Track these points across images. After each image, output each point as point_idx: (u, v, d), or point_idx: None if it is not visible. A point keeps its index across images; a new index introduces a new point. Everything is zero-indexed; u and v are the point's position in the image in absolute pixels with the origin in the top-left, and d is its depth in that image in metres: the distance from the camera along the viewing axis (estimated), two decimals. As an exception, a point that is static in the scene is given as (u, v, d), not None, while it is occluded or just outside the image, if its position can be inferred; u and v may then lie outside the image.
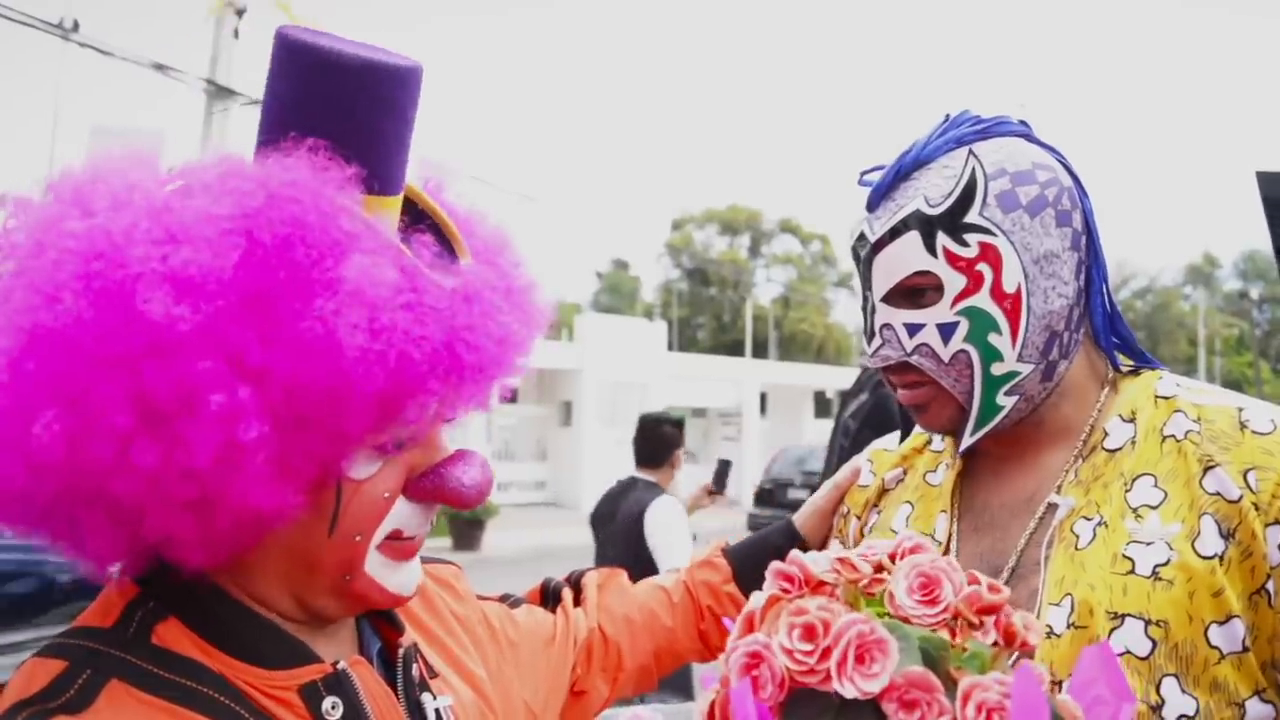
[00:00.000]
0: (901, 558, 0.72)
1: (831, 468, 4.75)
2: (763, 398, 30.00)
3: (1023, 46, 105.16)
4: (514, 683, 1.03)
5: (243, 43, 10.84)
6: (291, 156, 0.74)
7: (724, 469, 4.67)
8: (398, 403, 0.74)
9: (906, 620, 0.67)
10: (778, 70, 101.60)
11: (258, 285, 0.69)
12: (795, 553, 0.68)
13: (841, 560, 0.66)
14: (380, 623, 0.92)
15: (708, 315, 54.76)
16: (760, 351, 43.10)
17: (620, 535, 4.03)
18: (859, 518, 1.30)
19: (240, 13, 10.77)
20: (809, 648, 0.61)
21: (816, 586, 0.66)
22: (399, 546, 0.82)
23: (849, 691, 0.59)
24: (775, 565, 0.68)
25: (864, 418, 4.51)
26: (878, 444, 1.38)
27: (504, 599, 1.15)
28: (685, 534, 4.00)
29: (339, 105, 0.77)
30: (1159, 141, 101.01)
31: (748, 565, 1.32)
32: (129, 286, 0.67)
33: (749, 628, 0.65)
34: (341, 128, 0.77)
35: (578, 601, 1.22)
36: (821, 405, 32.92)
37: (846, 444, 4.66)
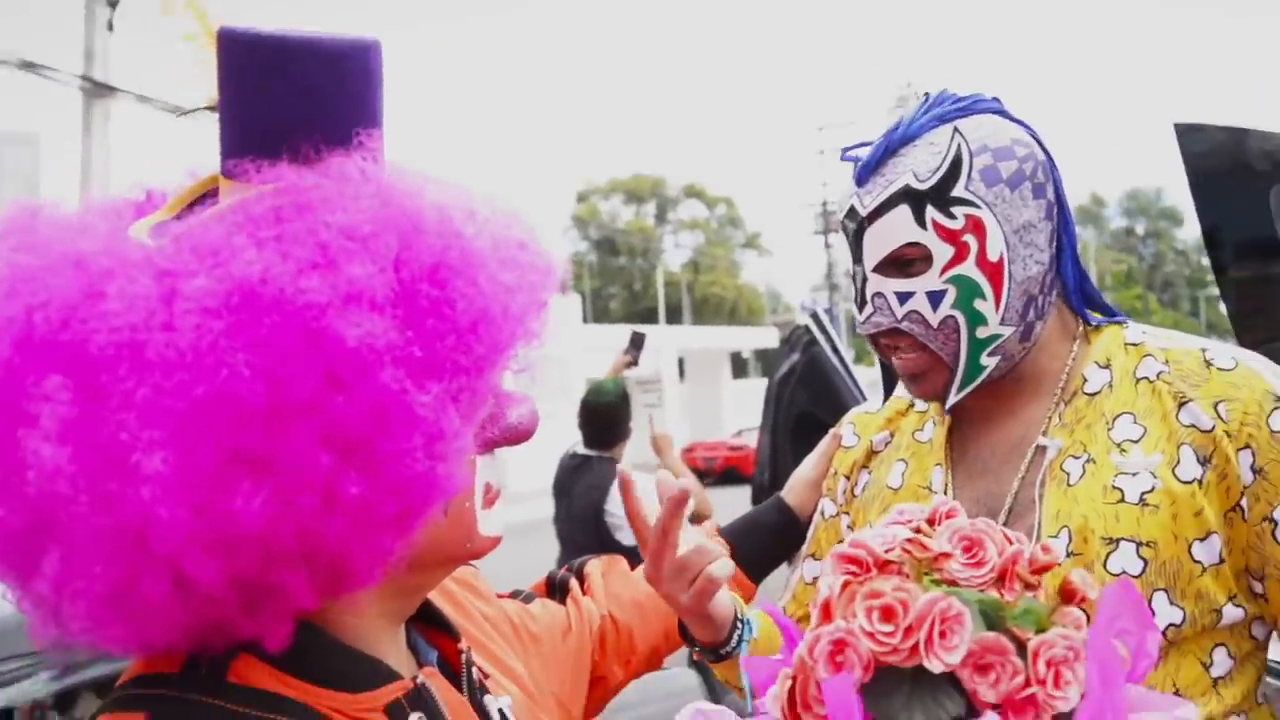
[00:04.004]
0: (939, 522, 0.74)
1: (769, 426, 4.85)
2: (680, 363, 30.22)
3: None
4: (541, 676, 1.03)
5: (119, 36, 10.29)
6: (334, 155, 0.73)
7: (639, 339, 4.88)
8: (515, 349, 0.77)
9: (954, 584, 0.69)
10: (674, 36, 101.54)
11: (404, 285, 0.69)
12: (858, 534, 0.70)
13: (911, 540, 0.68)
14: (431, 632, 0.91)
15: (619, 285, 54.80)
16: (674, 317, 43.39)
17: (579, 518, 4.04)
18: (848, 477, 1.34)
19: (113, 3, 10.21)
20: (890, 629, 0.62)
21: (883, 566, 0.67)
22: (488, 496, 0.84)
23: (936, 667, 0.61)
24: (837, 550, 0.69)
25: (799, 376, 4.61)
26: (858, 410, 1.43)
27: (515, 595, 1.15)
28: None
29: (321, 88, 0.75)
30: (1045, 88, 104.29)
31: (745, 543, 1.35)
32: (307, 320, 0.64)
33: (826, 615, 0.66)
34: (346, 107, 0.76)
35: (584, 591, 1.22)
36: (738, 366, 33.37)
37: (782, 402, 4.76)
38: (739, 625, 1.14)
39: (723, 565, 1.07)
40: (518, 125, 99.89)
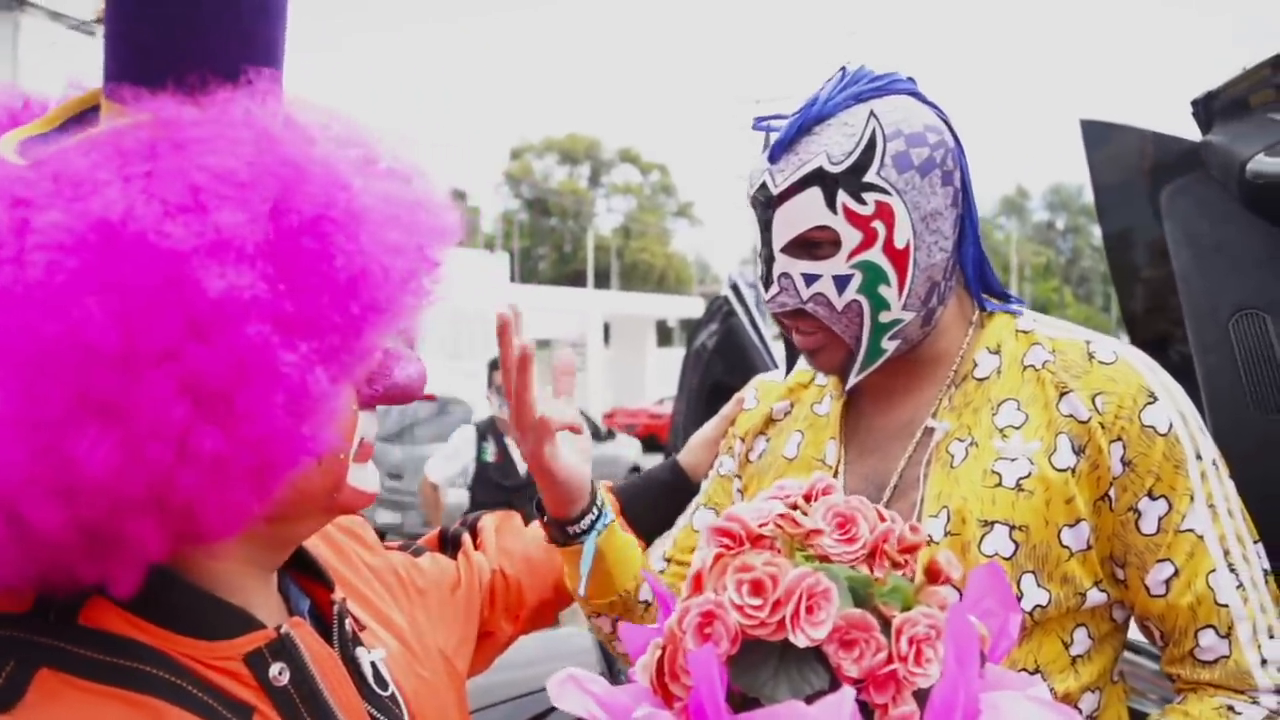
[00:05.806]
0: (816, 499, 0.75)
1: (684, 394, 4.90)
2: (606, 328, 30.21)
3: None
4: (427, 630, 1.02)
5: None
6: (222, 91, 0.69)
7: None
8: (398, 311, 0.75)
9: (827, 559, 0.70)
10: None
11: (281, 235, 0.66)
12: (734, 508, 0.70)
13: (783, 516, 0.68)
14: (306, 580, 0.89)
15: (549, 246, 54.39)
16: (602, 281, 43.31)
17: None
18: (743, 439, 1.37)
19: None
20: (759, 602, 0.63)
21: (756, 540, 0.68)
22: (362, 451, 0.83)
23: (801, 641, 0.62)
24: (713, 523, 0.70)
25: (715, 346, 4.65)
26: (761, 377, 1.46)
27: (405, 547, 1.14)
28: (447, 452, 4.83)
29: None
30: (977, 77, 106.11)
31: (635, 501, 1.37)
32: (168, 267, 0.61)
33: (698, 587, 0.66)
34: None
35: (476, 545, 1.22)
36: (664, 334, 33.49)
37: (699, 372, 4.80)
38: (593, 510, 1.19)
39: (562, 408, 1.15)
40: (454, 74, 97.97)
